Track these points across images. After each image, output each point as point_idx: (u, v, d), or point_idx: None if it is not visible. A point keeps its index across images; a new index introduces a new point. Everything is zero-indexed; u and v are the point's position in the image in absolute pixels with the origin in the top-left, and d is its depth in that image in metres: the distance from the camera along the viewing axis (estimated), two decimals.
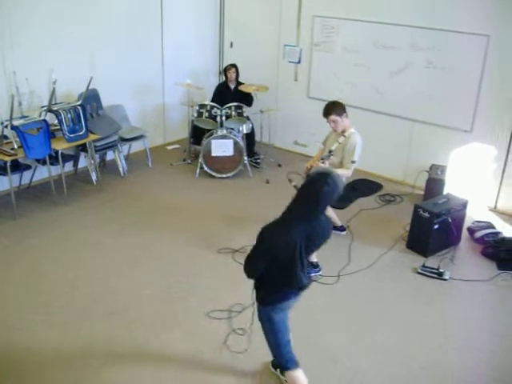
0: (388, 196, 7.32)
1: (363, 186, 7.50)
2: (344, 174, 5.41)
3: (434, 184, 6.93)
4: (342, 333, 4.64)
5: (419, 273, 5.52)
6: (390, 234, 6.28)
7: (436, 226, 5.73)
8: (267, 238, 3.30)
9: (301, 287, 3.53)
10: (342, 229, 6.28)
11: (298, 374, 3.75)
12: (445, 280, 5.41)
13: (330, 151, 5.51)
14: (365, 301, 5.10)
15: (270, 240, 3.30)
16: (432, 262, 5.66)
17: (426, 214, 5.76)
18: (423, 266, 5.58)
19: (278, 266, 3.37)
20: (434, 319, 4.86)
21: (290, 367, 3.75)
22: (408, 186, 7.56)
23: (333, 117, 5.45)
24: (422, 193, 7.11)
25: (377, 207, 7.02)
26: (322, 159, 5.48)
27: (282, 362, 3.79)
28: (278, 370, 4.08)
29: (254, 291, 3.64)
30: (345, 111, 5.48)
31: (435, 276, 5.46)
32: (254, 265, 3.46)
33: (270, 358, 4.06)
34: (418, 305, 5.06)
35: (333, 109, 5.46)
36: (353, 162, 5.48)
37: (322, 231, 3.45)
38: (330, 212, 6.05)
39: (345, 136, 5.52)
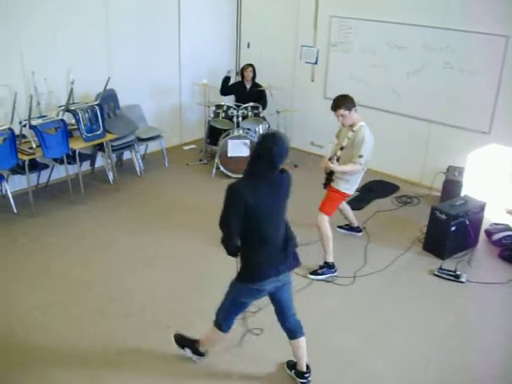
0: (405, 197, 7.27)
1: (380, 188, 7.50)
2: (353, 170, 5.27)
3: (451, 186, 6.88)
4: (358, 334, 4.63)
5: (436, 275, 5.49)
6: (407, 236, 6.24)
7: (453, 228, 5.69)
8: (236, 192, 3.39)
9: (276, 254, 3.56)
10: (358, 230, 6.27)
11: (223, 337, 3.93)
12: (462, 283, 5.37)
13: (342, 148, 5.35)
14: (381, 302, 5.08)
15: (239, 193, 3.38)
16: (449, 264, 5.62)
17: (443, 216, 5.72)
18: (440, 268, 5.54)
19: (251, 226, 3.44)
20: (450, 322, 4.83)
21: (222, 329, 3.86)
22: (425, 187, 7.51)
23: (341, 111, 5.22)
24: (439, 194, 7.06)
25: (393, 209, 6.98)
26: (330, 159, 5.33)
27: (221, 321, 3.85)
28: (293, 371, 4.08)
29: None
30: (354, 105, 5.27)
31: (452, 278, 5.42)
32: (228, 225, 3.46)
33: (285, 359, 4.07)
34: (434, 307, 5.03)
35: (342, 103, 5.24)
36: (360, 156, 5.17)
37: (282, 186, 3.58)
38: (348, 212, 6.03)
39: (353, 131, 5.29)
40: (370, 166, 7.89)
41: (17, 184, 6.93)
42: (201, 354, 4.18)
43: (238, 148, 7.57)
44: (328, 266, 5.43)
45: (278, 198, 3.54)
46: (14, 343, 4.37)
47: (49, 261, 5.57)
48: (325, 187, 5.58)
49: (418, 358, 4.36)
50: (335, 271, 5.44)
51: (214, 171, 7.81)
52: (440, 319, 4.86)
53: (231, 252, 3.58)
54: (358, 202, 6.98)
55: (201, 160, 8.37)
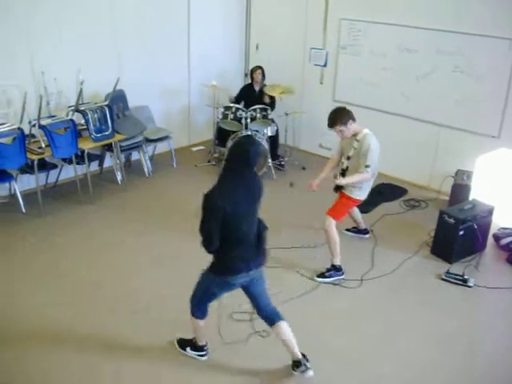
0: (412, 201, 7.25)
1: (388, 191, 7.48)
2: (361, 180, 5.16)
3: (459, 190, 6.85)
4: (364, 337, 4.62)
5: (443, 279, 5.47)
6: (414, 240, 6.22)
7: (461, 233, 5.67)
8: (212, 203, 3.52)
9: (249, 251, 3.73)
10: (365, 232, 6.26)
11: (201, 324, 4.07)
12: (469, 287, 5.35)
13: (348, 157, 5.26)
14: (387, 306, 5.06)
15: (216, 204, 3.51)
16: (456, 268, 5.59)
17: (452, 220, 5.70)
18: (447, 272, 5.52)
19: (229, 229, 3.57)
20: (457, 326, 4.81)
21: (199, 317, 4.03)
22: (433, 191, 7.49)
23: (338, 127, 5.07)
24: (447, 198, 7.04)
25: (401, 212, 6.96)
26: (335, 176, 5.33)
27: (195, 308, 4.03)
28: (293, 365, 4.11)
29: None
30: (350, 117, 5.09)
31: (459, 283, 5.40)
32: (207, 232, 3.58)
33: (288, 360, 4.07)
34: (441, 311, 5.00)
35: (338, 118, 5.08)
36: (366, 166, 5.05)
37: (257, 187, 3.76)
38: (357, 214, 6.01)
39: (357, 140, 5.14)
40: (379, 168, 7.95)
41: (25, 183, 6.96)
42: (201, 349, 4.27)
43: None
44: (335, 269, 5.40)
45: (253, 200, 3.72)
46: (18, 336, 4.40)
47: (56, 260, 5.59)
48: (336, 191, 5.50)
49: (424, 362, 4.35)
50: (342, 274, 5.42)
51: None
52: (447, 323, 4.83)
53: (212, 252, 3.71)
54: (365, 205, 6.93)
55: (209, 161, 8.38)
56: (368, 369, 4.26)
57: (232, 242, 3.67)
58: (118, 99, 7.35)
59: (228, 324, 4.65)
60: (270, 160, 7.72)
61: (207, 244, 3.63)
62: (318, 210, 5.67)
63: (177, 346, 4.37)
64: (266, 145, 7.57)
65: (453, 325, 4.82)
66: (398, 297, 5.21)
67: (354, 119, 5.14)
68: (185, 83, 8.72)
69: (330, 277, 5.38)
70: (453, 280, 5.43)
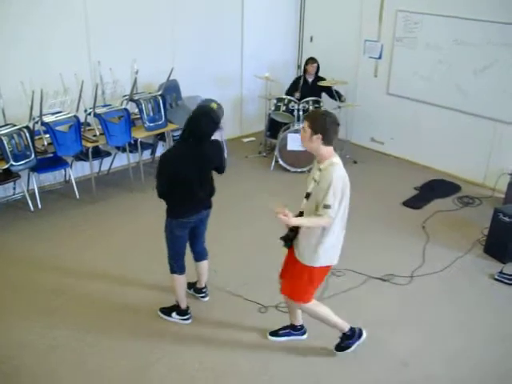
0: (466, 198, 7.10)
1: (441, 187, 7.34)
2: (317, 225, 3.74)
3: None
4: (414, 336, 4.56)
5: (496, 279, 5.34)
6: (467, 238, 6.09)
7: None
8: (164, 162, 4.09)
9: (199, 203, 4.29)
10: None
11: (182, 279, 4.50)
12: None
13: (307, 194, 3.90)
14: (438, 304, 4.97)
15: (167, 163, 4.08)
16: (510, 268, 5.46)
17: (507, 219, 5.55)
18: (501, 272, 5.39)
19: (179, 185, 4.10)
20: (509, 328, 4.70)
21: (176, 272, 4.45)
22: (488, 188, 7.30)
23: (305, 124, 3.78)
24: (503, 196, 6.85)
25: (454, 209, 6.82)
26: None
27: (172, 266, 4.45)
28: (192, 289, 4.86)
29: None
30: (325, 133, 3.66)
31: None
32: (158, 186, 4.13)
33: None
34: (493, 312, 4.89)
35: (310, 118, 3.79)
36: (326, 206, 3.61)
37: (210, 153, 4.20)
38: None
39: (320, 169, 3.77)
40: (432, 164, 7.82)
41: (79, 170, 7.13)
42: (185, 313, 4.62)
43: (298, 142, 7.52)
44: (348, 336, 4.22)
45: (202, 164, 4.16)
46: None
47: (107, 247, 5.72)
48: (286, 245, 4.07)
49: (474, 363, 4.27)
50: (357, 338, 4.24)
51: (272, 164, 7.82)
52: (498, 324, 4.73)
53: (160, 196, 4.20)
54: (417, 201, 6.86)
55: (260, 153, 8.39)
56: (417, 367, 4.20)
57: (180, 194, 4.16)
58: (171, 89, 7.42)
59: (274, 313, 4.68)
60: None
61: (159, 188, 4.14)
62: (361, 211, 5.59)
63: (161, 315, 4.67)
64: None
65: (505, 326, 4.71)
66: (448, 295, 5.11)
67: (327, 140, 3.69)
68: (237, 74, 8.73)
69: (348, 346, 4.24)
70: (506, 280, 5.29)
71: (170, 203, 4.26)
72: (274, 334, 4.46)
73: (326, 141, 3.68)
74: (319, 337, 4.39)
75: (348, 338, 4.17)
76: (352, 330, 4.16)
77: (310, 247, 3.82)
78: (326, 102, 8.02)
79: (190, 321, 4.61)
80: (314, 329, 4.42)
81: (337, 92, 7.93)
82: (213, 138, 4.24)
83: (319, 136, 3.66)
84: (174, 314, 4.62)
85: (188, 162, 4.06)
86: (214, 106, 7.22)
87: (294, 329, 4.45)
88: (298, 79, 8.42)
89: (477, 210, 6.84)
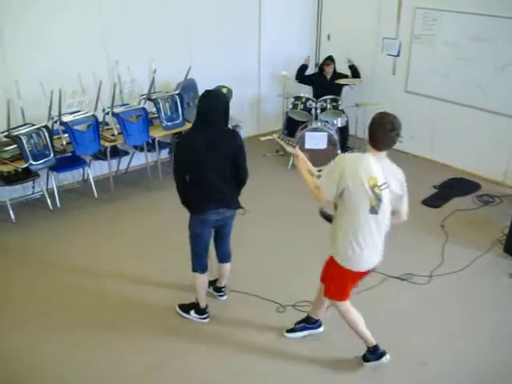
0: (486, 197, 7.02)
1: (460, 185, 7.27)
2: (309, 186, 3.76)
3: None
4: (433, 335, 4.52)
5: None
6: (487, 237, 6.02)
7: None
8: (178, 146, 4.29)
9: (218, 197, 4.15)
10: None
11: (203, 278, 4.50)
12: None
13: None
14: (456, 304, 4.93)
15: (180, 147, 4.23)
16: None
17: None
18: None
19: (194, 172, 4.09)
20: None
21: (197, 270, 4.44)
22: (508, 187, 7.23)
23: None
24: None
25: (474, 208, 6.75)
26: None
27: (193, 265, 4.44)
28: (211, 287, 4.89)
29: None
30: (369, 133, 3.67)
31: None
32: (175, 173, 4.16)
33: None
34: None
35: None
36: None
37: (224, 139, 4.12)
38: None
39: None
40: (451, 162, 7.75)
41: (98, 170, 7.17)
42: (204, 312, 4.63)
43: (316, 140, 7.52)
44: (371, 352, 4.12)
45: (216, 150, 4.04)
46: None
47: (125, 244, 5.76)
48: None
49: (494, 363, 4.22)
50: (379, 358, 4.10)
51: (290, 163, 7.79)
52: None
53: (177, 185, 4.21)
54: (436, 200, 6.81)
55: (277, 151, 8.37)
56: (434, 367, 4.17)
57: (198, 186, 4.13)
58: (188, 88, 7.42)
59: (292, 313, 4.67)
60: (339, 151, 7.63)
61: (175, 179, 4.17)
62: None
63: (179, 312, 4.69)
64: (335, 135, 7.51)
65: None
66: (468, 295, 5.06)
67: (371, 141, 3.69)
68: (255, 72, 8.72)
69: (369, 360, 4.15)
70: None
71: (188, 195, 4.21)
72: (291, 330, 4.46)
73: (371, 141, 3.66)
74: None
75: (370, 353, 4.10)
76: (376, 347, 4.07)
77: (331, 238, 3.82)
78: (344, 101, 7.99)
79: (207, 320, 4.62)
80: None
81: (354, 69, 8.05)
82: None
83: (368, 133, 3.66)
84: (192, 312, 4.64)
85: (200, 146, 4.00)
86: (224, 90, 7.18)
87: (309, 322, 4.43)
88: (315, 75, 8.37)
89: (497, 208, 6.76)
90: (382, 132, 3.58)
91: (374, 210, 3.59)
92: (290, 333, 4.45)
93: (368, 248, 3.69)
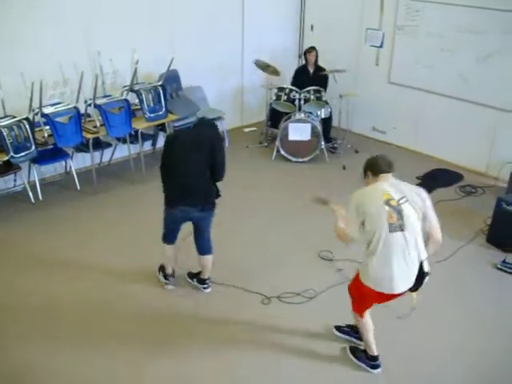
0: (469, 187, 7.06)
1: (443, 176, 7.31)
2: (339, 232, 3.79)
3: None
4: (417, 324, 4.54)
5: (499, 268, 5.32)
6: (470, 227, 6.06)
7: None
8: (166, 142, 4.46)
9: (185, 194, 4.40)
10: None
11: (169, 249, 4.82)
12: None
13: None
14: (440, 293, 4.93)
15: (167, 144, 4.45)
16: None
17: (510, 208, 5.52)
18: (503, 261, 5.37)
19: (169, 165, 4.40)
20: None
21: (165, 242, 4.78)
22: (491, 177, 7.27)
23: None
24: (506, 186, 6.80)
25: (456, 198, 6.79)
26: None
27: (162, 237, 4.77)
28: (195, 279, 4.96)
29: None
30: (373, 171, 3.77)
31: None
32: (161, 169, 4.46)
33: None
34: (496, 302, 4.89)
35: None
36: None
37: (202, 132, 4.42)
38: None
39: None
40: (434, 153, 7.79)
41: (80, 162, 7.11)
42: (169, 276, 4.96)
43: (299, 131, 7.51)
44: (368, 358, 4.13)
45: (193, 144, 4.32)
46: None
47: (109, 237, 5.72)
48: None
49: (478, 350, 4.28)
50: (374, 367, 4.11)
51: (274, 154, 7.78)
52: (501, 314, 4.72)
53: (161, 174, 4.51)
54: None
55: (261, 143, 8.35)
56: (424, 356, 4.21)
57: (171, 181, 4.44)
58: (171, 79, 7.37)
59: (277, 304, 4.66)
60: (322, 143, 7.64)
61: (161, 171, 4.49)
62: None
63: (158, 277, 5.03)
64: (318, 126, 7.51)
65: (507, 316, 4.70)
66: (451, 285, 5.10)
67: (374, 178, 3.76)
68: (238, 63, 8.68)
69: (358, 359, 4.18)
70: (509, 270, 5.28)
71: (164, 185, 4.54)
72: (338, 328, 4.43)
73: (372, 172, 3.76)
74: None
75: (367, 358, 4.08)
76: (375, 358, 4.06)
77: (362, 263, 3.79)
78: (328, 92, 7.99)
79: (170, 287, 4.94)
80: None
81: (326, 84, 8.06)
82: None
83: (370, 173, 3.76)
84: (160, 274, 5.02)
85: (180, 141, 4.39)
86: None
87: (355, 331, 4.29)
88: (299, 69, 8.36)
89: (479, 199, 6.81)
90: (375, 160, 3.76)
91: (395, 227, 3.53)
92: (337, 330, 4.42)
93: (393, 270, 3.58)
